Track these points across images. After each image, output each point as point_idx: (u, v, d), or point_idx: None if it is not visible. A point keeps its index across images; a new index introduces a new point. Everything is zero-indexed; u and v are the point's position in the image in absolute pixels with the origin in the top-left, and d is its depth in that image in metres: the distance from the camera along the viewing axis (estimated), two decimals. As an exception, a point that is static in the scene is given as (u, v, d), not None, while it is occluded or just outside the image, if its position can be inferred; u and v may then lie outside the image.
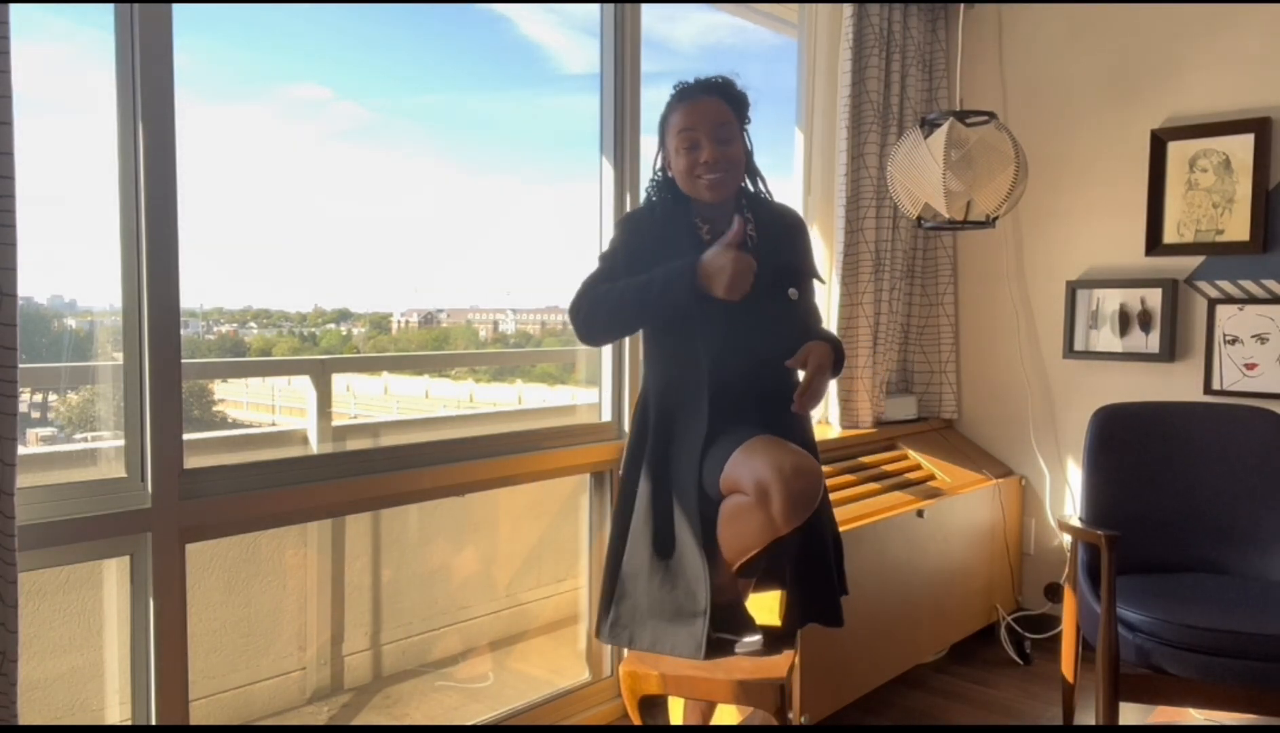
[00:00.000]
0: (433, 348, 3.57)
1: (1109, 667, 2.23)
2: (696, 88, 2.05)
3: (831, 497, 2.74)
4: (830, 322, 3.22)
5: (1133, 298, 3.20)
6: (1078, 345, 3.33)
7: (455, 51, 3.08)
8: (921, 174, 2.73)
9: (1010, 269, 3.50)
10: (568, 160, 3.17)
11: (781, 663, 1.88)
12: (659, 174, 2.12)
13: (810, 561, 2.00)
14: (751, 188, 2.13)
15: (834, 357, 1.99)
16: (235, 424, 3.17)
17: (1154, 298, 3.16)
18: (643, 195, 2.17)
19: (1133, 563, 2.50)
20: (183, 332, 1.85)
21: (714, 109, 2.02)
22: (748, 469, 1.78)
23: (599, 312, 1.95)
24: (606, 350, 2.74)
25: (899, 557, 2.81)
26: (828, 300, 3.25)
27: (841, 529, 2.57)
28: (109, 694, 2.13)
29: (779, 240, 2.10)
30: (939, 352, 3.58)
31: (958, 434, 3.62)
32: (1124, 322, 3.22)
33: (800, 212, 3.36)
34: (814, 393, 1.95)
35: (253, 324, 3.11)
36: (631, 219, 2.14)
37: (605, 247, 2.11)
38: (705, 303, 1.90)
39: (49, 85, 1.88)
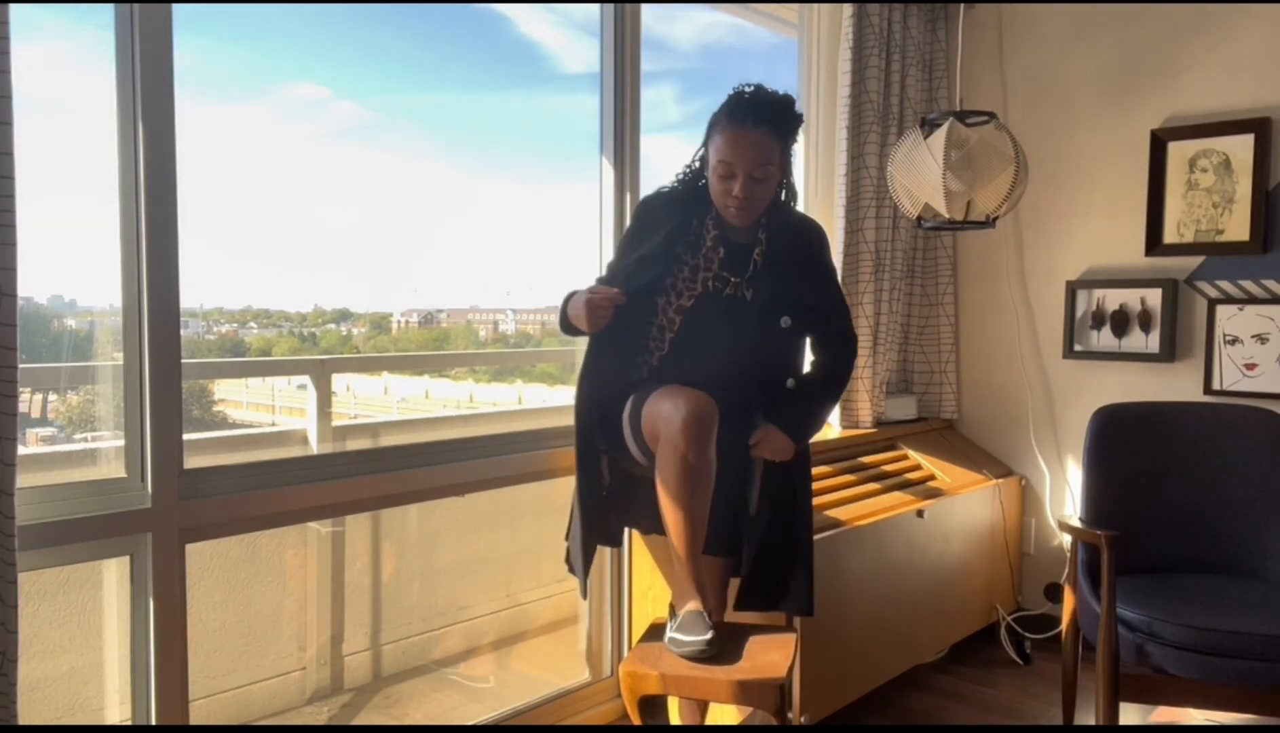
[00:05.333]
0: (433, 348, 3.57)
1: (1109, 667, 2.23)
2: (750, 112, 1.99)
3: (831, 497, 2.75)
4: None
5: (1133, 298, 3.20)
6: (1078, 345, 3.33)
7: (455, 51, 3.08)
8: (921, 174, 2.73)
9: (1010, 269, 3.50)
10: (568, 160, 3.18)
11: (781, 663, 1.88)
12: (696, 164, 2.15)
13: (773, 551, 2.13)
14: (783, 195, 2.16)
15: (798, 433, 2.12)
16: (235, 424, 3.17)
17: (1154, 298, 3.15)
18: (642, 193, 2.27)
19: (1133, 563, 2.50)
20: (183, 332, 1.85)
21: (758, 147, 2.00)
22: (653, 411, 1.96)
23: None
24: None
25: (899, 557, 2.81)
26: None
27: (841, 529, 2.58)
28: (109, 694, 2.13)
29: (785, 265, 2.12)
30: (939, 352, 3.58)
31: (958, 434, 3.62)
32: (1124, 322, 3.22)
33: (800, 211, 3.37)
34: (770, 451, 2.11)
35: (253, 324, 3.11)
36: (644, 202, 2.23)
37: (614, 238, 2.27)
38: (692, 322, 2.09)
39: (49, 85, 1.88)
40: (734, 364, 2.10)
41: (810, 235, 2.19)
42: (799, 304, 2.13)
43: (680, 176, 2.18)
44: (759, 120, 1.99)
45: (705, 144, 2.11)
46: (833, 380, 2.22)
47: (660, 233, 2.11)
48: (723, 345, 2.11)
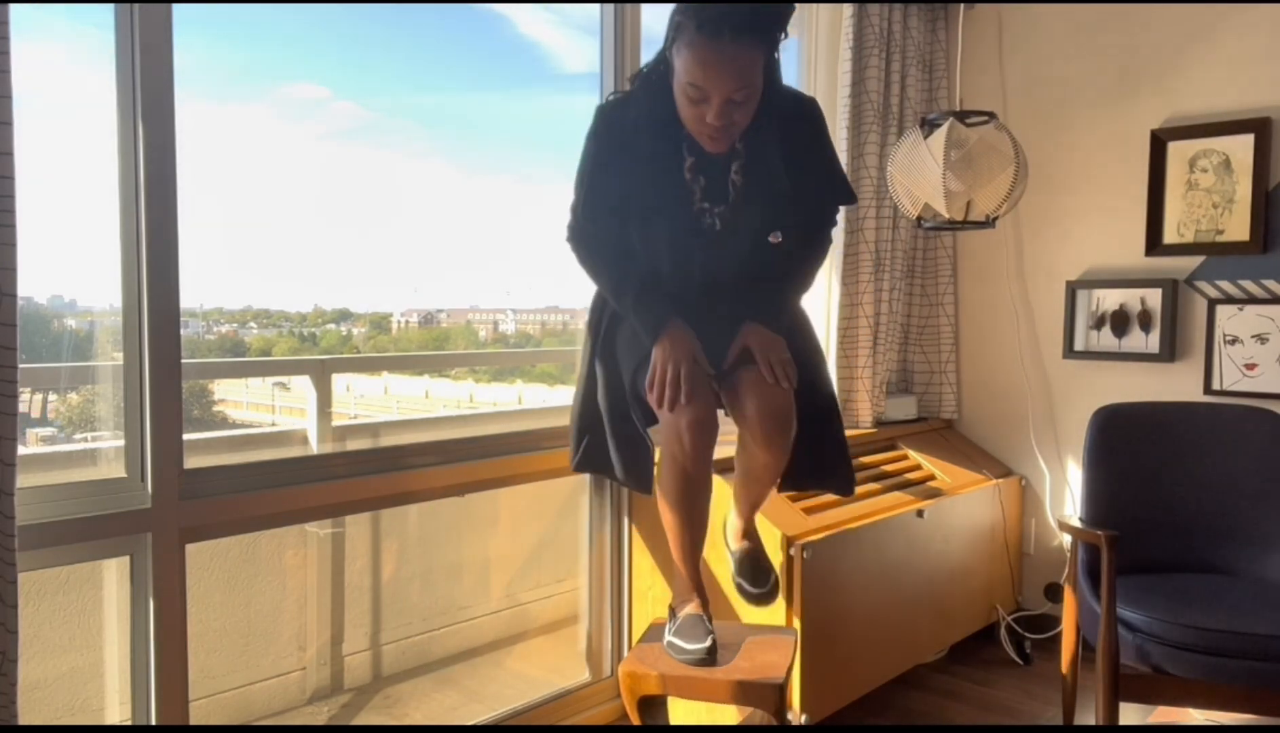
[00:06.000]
0: (433, 348, 3.57)
1: (1109, 667, 2.23)
2: (725, 21, 1.57)
3: (832, 496, 2.74)
4: (830, 322, 3.22)
5: (1133, 298, 3.20)
6: (1078, 345, 3.33)
7: (454, 51, 3.08)
8: (921, 174, 2.73)
9: (1010, 269, 3.50)
10: (568, 160, 3.17)
11: (780, 663, 1.88)
12: (658, 68, 1.76)
13: (813, 426, 1.94)
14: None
15: (779, 321, 1.87)
16: (235, 424, 3.17)
17: (1154, 298, 3.15)
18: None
19: (1133, 563, 2.50)
20: (183, 332, 1.85)
21: (737, 66, 1.61)
22: (660, 422, 1.84)
23: (597, 272, 1.92)
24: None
25: (899, 557, 2.81)
26: (827, 301, 3.25)
27: (840, 529, 2.58)
28: (109, 694, 2.13)
29: (775, 170, 1.82)
30: (939, 352, 3.58)
31: (958, 434, 3.62)
32: (1124, 322, 3.22)
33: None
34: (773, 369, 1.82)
35: (253, 324, 3.11)
36: (607, 119, 1.85)
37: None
38: (682, 265, 1.87)
39: (49, 85, 1.88)
40: (728, 298, 1.88)
41: (803, 112, 1.85)
42: (791, 210, 1.87)
43: (641, 86, 1.80)
44: (737, 30, 1.58)
45: (669, 47, 1.70)
46: (809, 245, 1.94)
47: (631, 162, 1.80)
48: (715, 284, 1.89)
